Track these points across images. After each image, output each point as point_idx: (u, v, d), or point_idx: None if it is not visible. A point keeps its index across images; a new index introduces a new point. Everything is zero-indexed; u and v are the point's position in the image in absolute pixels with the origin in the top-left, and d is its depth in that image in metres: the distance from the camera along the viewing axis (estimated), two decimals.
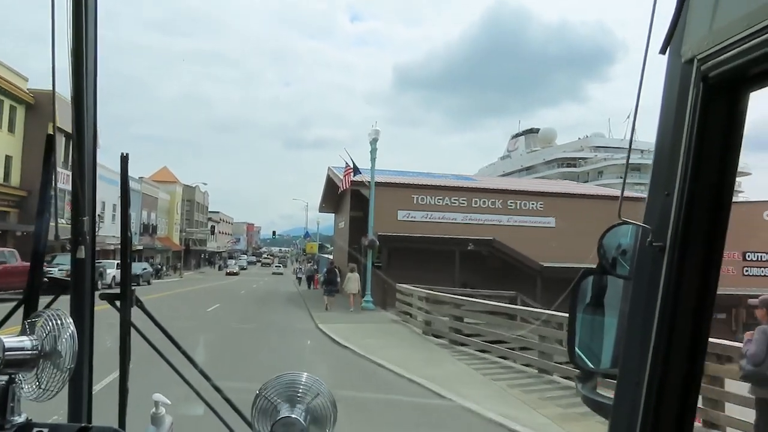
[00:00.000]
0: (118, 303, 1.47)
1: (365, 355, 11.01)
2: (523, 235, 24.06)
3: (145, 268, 37.88)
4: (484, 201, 25.25)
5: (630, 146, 1.25)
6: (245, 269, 76.29)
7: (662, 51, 0.92)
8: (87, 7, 1.40)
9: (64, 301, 1.47)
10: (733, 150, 0.89)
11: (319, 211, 40.05)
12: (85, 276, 1.51)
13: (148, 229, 54.06)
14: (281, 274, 77.33)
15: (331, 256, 49.63)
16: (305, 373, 1.23)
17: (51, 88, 1.41)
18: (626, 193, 0.97)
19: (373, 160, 20.95)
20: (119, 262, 2.20)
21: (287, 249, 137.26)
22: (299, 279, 42.42)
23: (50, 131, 1.58)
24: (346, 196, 32.30)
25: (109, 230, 41.00)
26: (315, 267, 43.41)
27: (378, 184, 24.00)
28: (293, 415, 1.14)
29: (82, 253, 1.48)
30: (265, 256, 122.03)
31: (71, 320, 1.16)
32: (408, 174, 28.57)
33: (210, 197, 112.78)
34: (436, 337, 13.35)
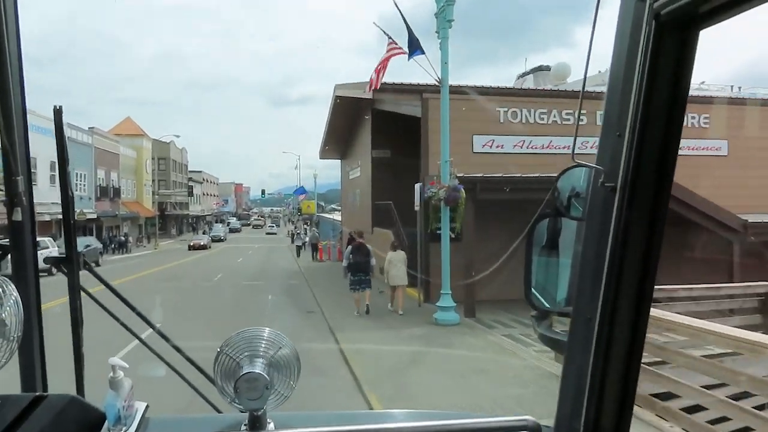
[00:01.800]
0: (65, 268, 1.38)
1: None
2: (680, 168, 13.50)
3: (88, 245, 27.00)
4: None
5: (583, 88, 1.04)
6: (222, 241, 57.09)
7: None
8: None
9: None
10: (683, 90, 0.87)
11: (321, 158, 29.13)
12: (25, 238, 1.38)
13: (108, 193, 42.94)
14: (275, 234, 77.30)
15: (335, 217, 38.92)
16: (267, 328, 1.21)
17: None
18: None
19: (445, 23, 10.05)
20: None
21: (279, 209, 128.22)
22: (298, 248, 31.71)
23: None
24: (364, 127, 21.39)
25: (47, 196, 30.19)
26: (317, 232, 32.75)
27: (432, 88, 13.32)
28: (256, 370, 1.12)
29: (19, 215, 1.34)
30: (256, 217, 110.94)
31: (14, 286, 1.09)
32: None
33: (196, 159, 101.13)
34: None
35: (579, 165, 1.01)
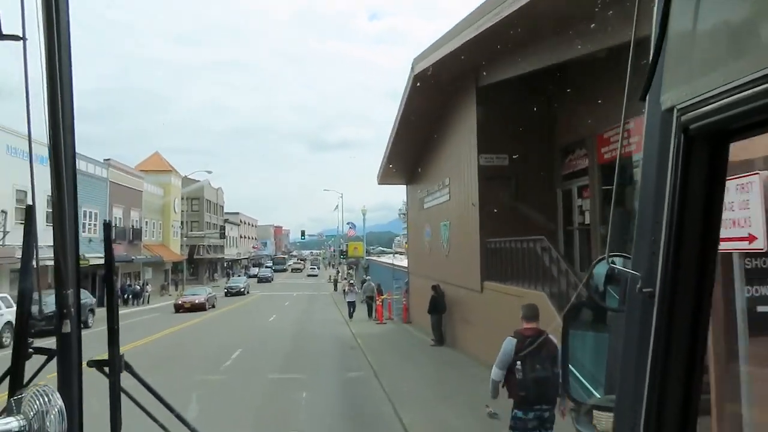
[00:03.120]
0: (107, 369, 1.41)
1: None
2: None
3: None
4: None
5: (615, 189, 1.18)
6: (242, 294, 41.65)
7: (642, 98, 0.89)
8: (61, 62, 1.30)
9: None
10: (717, 198, 0.86)
11: (380, 183, 21.45)
12: (72, 350, 1.39)
13: (125, 234, 36.34)
14: (316, 275, 73.74)
15: (393, 261, 30.96)
16: None
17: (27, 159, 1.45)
18: None
19: None
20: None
21: (318, 251, 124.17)
22: (350, 305, 23.36)
23: (29, 201, 1.49)
24: (462, 120, 13.54)
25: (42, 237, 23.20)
26: (371, 283, 24.62)
27: None
28: None
29: (68, 327, 1.36)
30: (295, 260, 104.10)
31: (59, 395, 1.11)
32: None
33: (235, 204, 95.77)
34: None
35: (614, 266, 1.00)
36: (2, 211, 22.50)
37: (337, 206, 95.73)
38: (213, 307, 30.54)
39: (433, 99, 13.68)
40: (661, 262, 0.86)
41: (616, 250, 1.04)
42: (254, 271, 72.80)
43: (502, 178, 12.05)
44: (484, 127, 11.97)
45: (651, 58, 0.86)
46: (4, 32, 1.24)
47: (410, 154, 18.31)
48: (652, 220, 0.88)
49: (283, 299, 36.36)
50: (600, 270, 1.06)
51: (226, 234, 75.57)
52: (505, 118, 11.35)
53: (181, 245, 47.86)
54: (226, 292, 42.12)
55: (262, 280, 59.37)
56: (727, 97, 0.72)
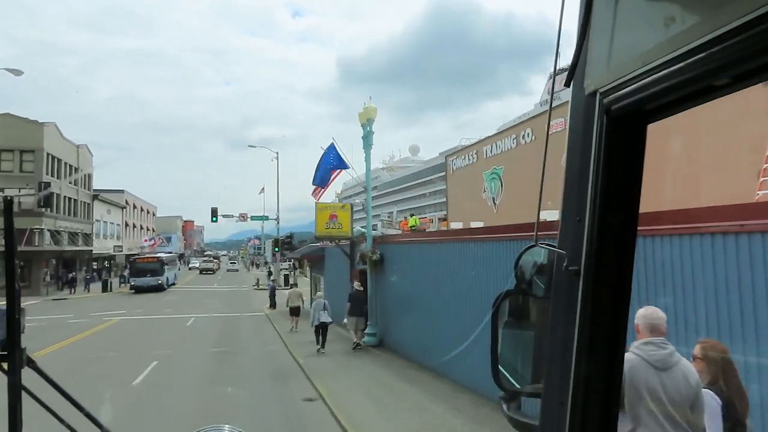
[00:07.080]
0: (5, 365, 1.26)
1: None
2: None
3: None
4: None
5: (543, 176, 1.02)
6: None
7: (566, 84, 0.90)
8: None
9: None
10: (636, 177, 0.87)
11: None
12: None
13: None
14: (237, 270, 69.01)
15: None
16: (227, 426, 1.25)
17: None
18: None
19: None
20: None
21: (235, 252, 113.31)
22: None
23: None
24: None
25: None
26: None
27: None
28: None
29: None
30: (205, 259, 78.19)
31: None
32: None
33: (148, 199, 69.47)
34: None
35: (542, 247, 0.98)
36: None
37: (263, 189, 71.32)
38: None
39: None
40: (586, 240, 0.85)
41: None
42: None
43: None
44: None
45: (576, 45, 0.86)
46: None
47: None
48: (577, 200, 0.87)
49: (157, 340, 12.96)
50: (527, 260, 1.03)
51: (99, 218, 49.15)
52: None
53: None
54: None
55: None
56: (643, 79, 0.74)
